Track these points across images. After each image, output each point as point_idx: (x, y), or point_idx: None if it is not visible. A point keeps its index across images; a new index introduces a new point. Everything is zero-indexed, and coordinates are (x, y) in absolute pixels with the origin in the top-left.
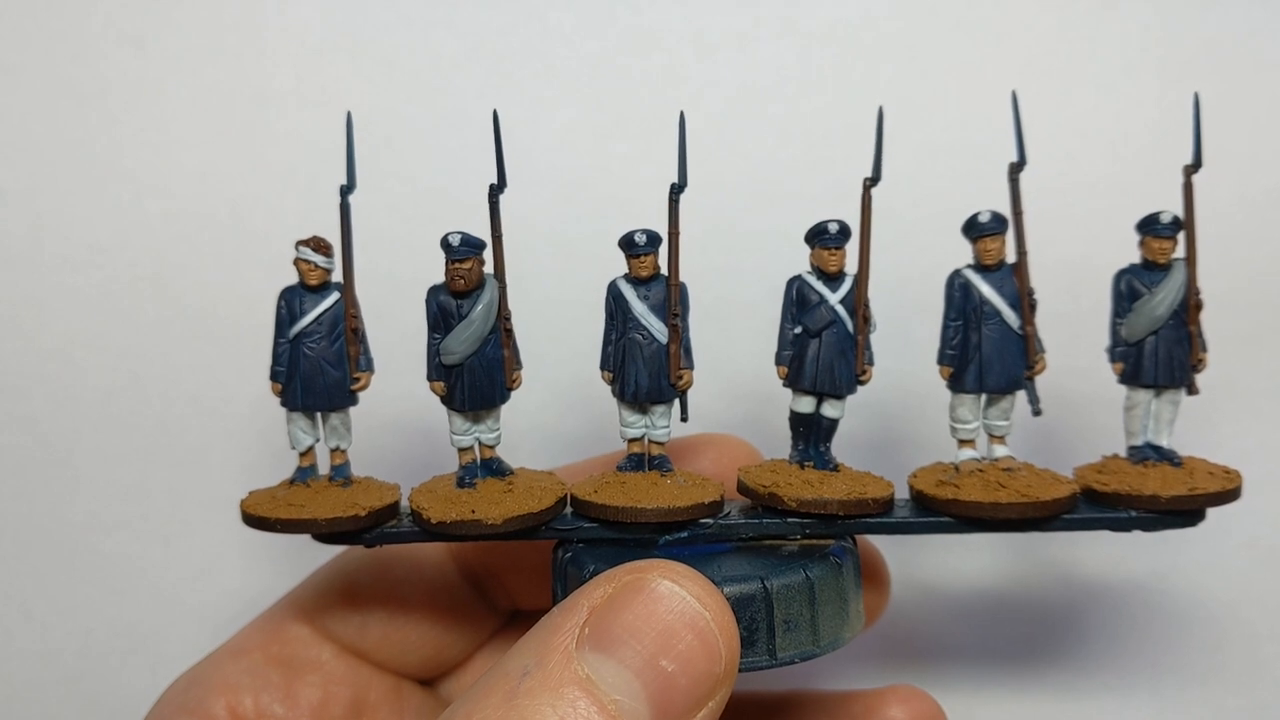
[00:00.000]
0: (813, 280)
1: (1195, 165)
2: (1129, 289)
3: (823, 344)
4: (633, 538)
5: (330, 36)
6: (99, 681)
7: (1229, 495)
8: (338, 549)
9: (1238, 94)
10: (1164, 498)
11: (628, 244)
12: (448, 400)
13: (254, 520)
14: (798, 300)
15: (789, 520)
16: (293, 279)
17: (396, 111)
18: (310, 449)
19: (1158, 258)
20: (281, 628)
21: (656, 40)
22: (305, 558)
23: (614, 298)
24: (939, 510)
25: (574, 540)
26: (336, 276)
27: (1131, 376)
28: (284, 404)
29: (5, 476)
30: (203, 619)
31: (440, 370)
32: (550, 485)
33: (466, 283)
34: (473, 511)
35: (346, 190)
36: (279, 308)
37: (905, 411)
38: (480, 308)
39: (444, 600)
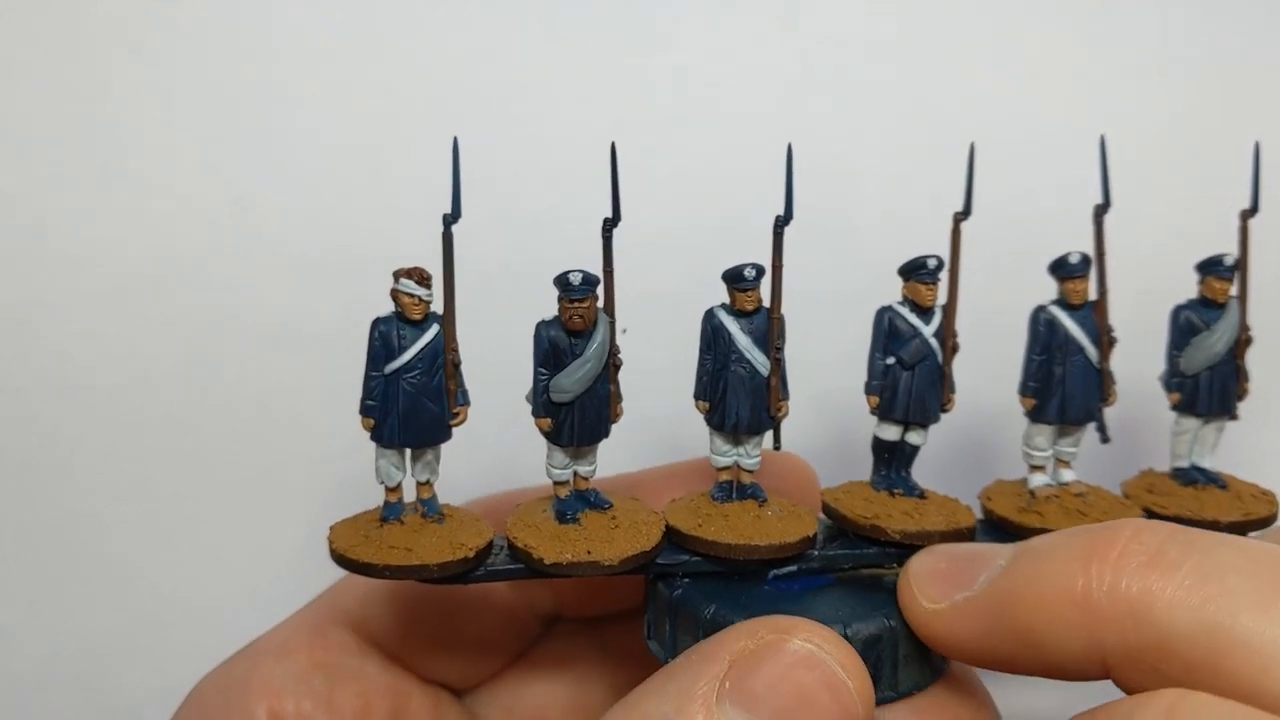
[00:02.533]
0: (905, 312)
1: (1253, 210)
2: (1187, 324)
3: (915, 376)
4: (739, 573)
5: (335, 35)
6: (103, 680)
7: (1271, 519)
8: None
9: None
10: (1224, 522)
11: (736, 277)
12: (553, 436)
13: (355, 565)
14: (889, 332)
15: (888, 550)
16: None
17: (399, 109)
18: (399, 484)
19: (1218, 296)
20: (325, 631)
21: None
22: (312, 555)
23: (713, 329)
24: (1027, 536)
25: (679, 575)
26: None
27: (1187, 406)
28: (377, 440)
29: (7, 476)
30: (206, 618)
31: (548, 407)
32: (651, 518)
33: (585, 321)
34: (588, 552)
35: (450, 220)
36: (373, 340)
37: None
38: (595, 346)
39: (489, 606)
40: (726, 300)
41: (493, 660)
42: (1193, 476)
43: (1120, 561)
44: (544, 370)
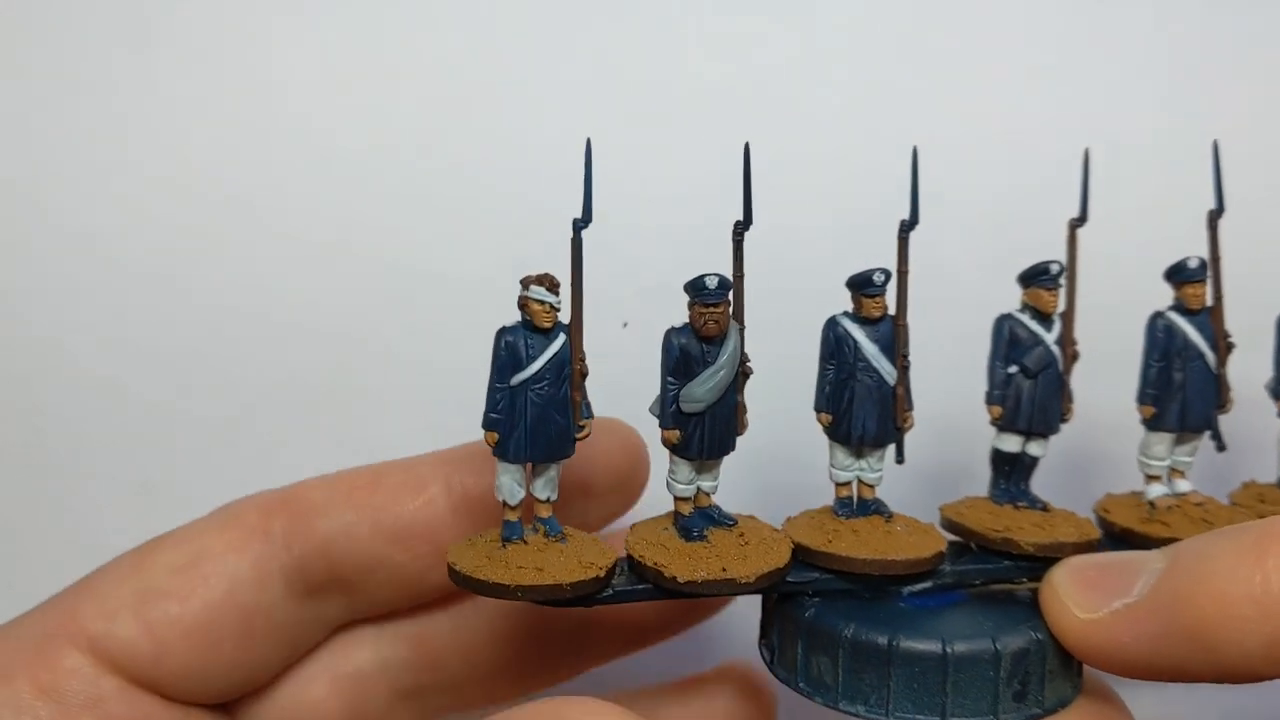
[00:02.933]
0: (1026, 319)
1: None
2: None
3: (1039, 385)
4: (870, 591)
5: (337, 29)
6: None
7: None
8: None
9: None
10: None
11: (865, 283)
12: (680, 449)
13: (484, 587)
14: (1010, 340)
15: (1020, 564)
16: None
17: (402, 103)
18: (521, 502)
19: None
20: (53, 652)
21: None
22: None
23: (837, 338)
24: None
25: (808, 593)
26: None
27: None
28: (502, 455)
29: (4, 469)
30: None
31: (677, 418)
32: (776, 535)
33: (719, 327)
34: (724, 570)
35: (581, 224)
36: (499, 349)
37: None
38: (727, 354)
39: (259, 615)
40: (849, 308)
41: (261, 673)
42: None
43: None
44: (674, 380)
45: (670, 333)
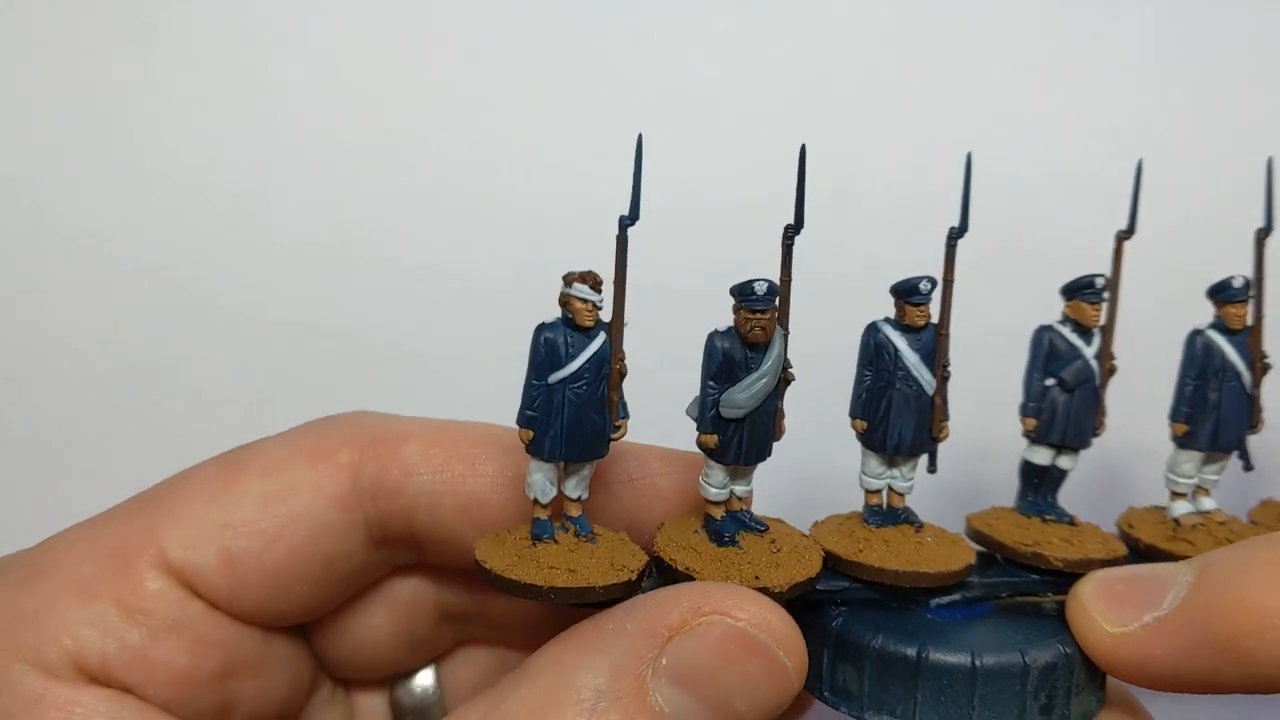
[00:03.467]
0: (1066, 332)
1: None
2: None
3: (1075, 398)
4: (898, 601)
5: (336, 27)
6: None
7: None
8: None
9: None
10: None
11: (911, 290)
12: (717, 454)
13: (516, 587)
14: (1050, 352)
15: (1046, 579)
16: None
17: (401, 104)
18: (552, 500)
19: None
20: (136, 573)
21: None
22: None
23: (877, 345)
24: None
25: (837, 602)
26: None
27: None
28: (536, 453)
29: (3, 465)
30: None
31: (716, 423)
32: (806, 543)
33: (766, 333)
34: (756, 578)
35: (628, 221)
36: (538, 346)
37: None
38: (771, 360)
39: (338, 560)
40: (891, 314)
41: (330, 607)
42: None
43: None
44: (714, 384)
45: (714, 335)
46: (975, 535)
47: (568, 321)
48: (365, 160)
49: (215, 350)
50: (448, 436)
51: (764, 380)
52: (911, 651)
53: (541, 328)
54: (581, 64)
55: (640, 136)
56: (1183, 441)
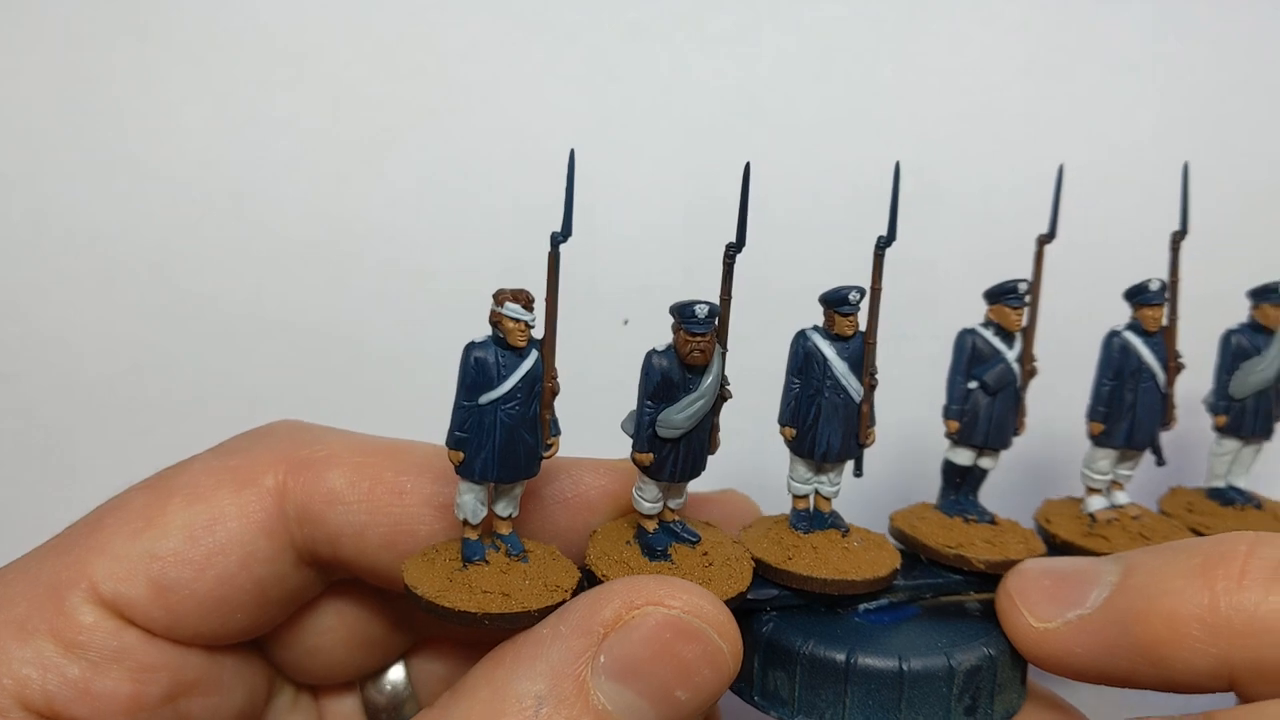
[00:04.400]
0: (989, 335)
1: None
2: (1238, 348)
3: (997, 400)
4: (826, 606)
5: (333, 24)
6: None
7: None
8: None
9: None
10: None
11: (840, 300)
12: (653, 471)
13: (451, 614)
14: (972, 355)
15: (970, 579)
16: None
17: (398, 103)
18: (484, 520)
19: (1270, 323)
20: (70, 607)
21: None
22: None
23: (805, 353)
24: None
25: (767, 609)
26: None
27: (1233, 429)
28: (466, 475)
29: (4, 469)
30: None
31: (653, 442)
32: (737, 552)
33: (705, 356)
34: None
35: (560, 238)
36: (467, 366)
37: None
38: (710, 381)
39: (271, 584)
40: (820, 323)
41: (272, 624)
42: (1230, 496)
43: (1245, 578)
44: (652, 403)
45: (652, 355)
46: (899, 535)
47: (499, 341)
48: (365, 160)
49: (213, 349)
50: (376, 461)
51: (702, 401)
52: (841, 656)
53: (471, 347)
54: (581, 64)
55: (572, 153)
56: (1099, 440)
